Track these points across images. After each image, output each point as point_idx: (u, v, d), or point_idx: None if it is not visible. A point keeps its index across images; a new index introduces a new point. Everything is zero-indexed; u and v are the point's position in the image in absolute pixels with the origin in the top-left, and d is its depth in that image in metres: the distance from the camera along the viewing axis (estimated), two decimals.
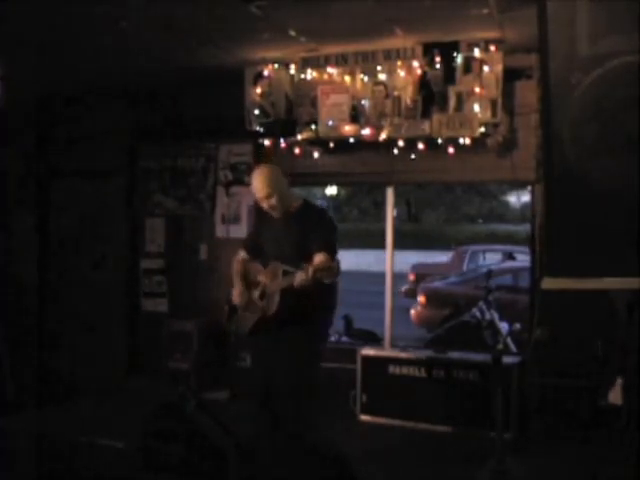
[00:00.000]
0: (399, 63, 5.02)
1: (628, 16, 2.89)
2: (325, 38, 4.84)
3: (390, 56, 5.05)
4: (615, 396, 3.54)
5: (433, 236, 24.66)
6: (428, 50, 4.88)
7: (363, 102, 5.14)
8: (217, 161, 6.12)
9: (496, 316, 6.39)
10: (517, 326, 5.33)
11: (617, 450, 3.38)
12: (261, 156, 5.68)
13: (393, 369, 5.24)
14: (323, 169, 5.58)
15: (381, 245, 5.80)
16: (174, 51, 5.03)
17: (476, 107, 4.74)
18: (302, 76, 5.34)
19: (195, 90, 6.04)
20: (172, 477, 3.68)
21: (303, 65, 5.32)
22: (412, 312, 10.62)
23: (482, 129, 4.77)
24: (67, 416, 5.24)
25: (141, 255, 6.46)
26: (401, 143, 5.05)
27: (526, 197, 5.99)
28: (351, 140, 5.16)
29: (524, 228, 5.43)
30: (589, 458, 3.91)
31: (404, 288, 13.03)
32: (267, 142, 5.47)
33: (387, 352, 5.45)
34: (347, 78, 5.19)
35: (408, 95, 5.00)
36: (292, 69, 5.35)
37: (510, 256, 11.26)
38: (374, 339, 6.39)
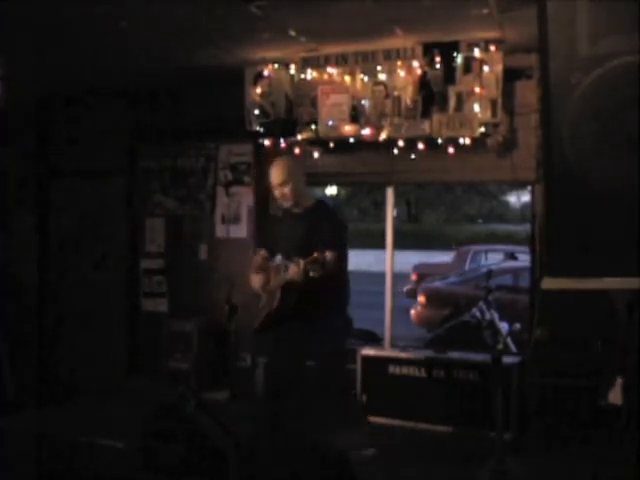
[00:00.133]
0: (399, 63, 5.01)
1: (628, 16, 2.89)
2: (325, 38, 4.84)
3: (390, 56, 5.05)
4: (615, 396, 3.54)
5: (433, 236, 24.70)
6: (428, 50, 4.88)
7: (363, 102, 5.14)
8: (217, 161, 6.12)
9: (496, 316, 6.37)
10: (517, 326, 5.32)
11: (617, 450, 3.37)
12: (261, 156, 5.68)
13: (393, 369, 5.24)
14: (323, 169, 5.57)
15: (381, 245, 5.81)
16: (174, 51, 5.03)
17: (476, 107, 4.74)
18: (302, 76, 5.34)
19: (195, 90, 6.04)
20: (172, 477, 3.68)
21: (303, 65, 5.32)
22: (412, 312, 10.63)
23: (482, 129, 4.77)
24: (67, 416, 5.24)
25: (141, 255, 6.46)
26: (401, 143, 5.05)
27: (526, 197, 5.97)
28: (351, 140, 5.15)
29: (524, 228, 5.41)
30: (589, 458, 3.90)
31: (406, 288, 13.04)
32: (267, 142, 5.47)
33: (387, 352, 5.45)
34: (347, 78, 5.19)
35: (408, 95, 5.00)
36: (292, 69, 5.35)
37: (512, 256, 11.26)
38: (374, 339, 6.39)
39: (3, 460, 4.17)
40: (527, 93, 4.92)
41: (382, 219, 6.23)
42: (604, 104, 2.96)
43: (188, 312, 6.08)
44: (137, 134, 6.41)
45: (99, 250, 6.65)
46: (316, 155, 5.48)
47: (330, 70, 5.24)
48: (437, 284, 11.42)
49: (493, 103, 4.75)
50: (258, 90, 5.38)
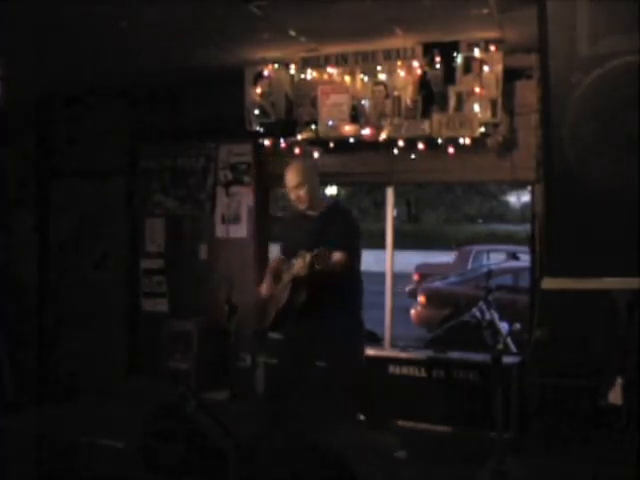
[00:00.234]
0: (399, 63, 5.01)
1: (628, 16, 2.89)
2: (325, 38, 4.84)
3: (390, 56, 5.05)
4: (615, 396, 3.53)
5: (433, 236, 24.70)
6: (428, 50, 4.88)
7: (363, 102, 5.14)
8: (217, 161, 6.11)
9: (496, 316, 6.36)
10: (517, 326, 5.32)
11: (617, 450, 3.37)
12: (261, 156, 5.68)
13: (393, 369, 5.24)
14: (323, 169, 5.52)
15: (381, 245, 5.80)
16: (174, 51, 5.03)
17: (476, 107, 4.74)
18: (302, 76, 5.34)
19: (195, 90, 6.04)
20: (172, 477, 3.68)
21: (303, 65, 5.32)
22: (412, 312, 10.62)
23: (482, 129, 4.77)
24: (67, 416, 5.23)
25: (141, 255, 6.46)
26: (401, 143, 5.05)
27: (526, 197, 5.97)
28: (351, 140, 5.15)
29: (524, 228, 5.42)
30: (589, 458, 3.90)
31: (408, 288, 13.03)
32: (267, 142, 5.47)
33: (387, 352, 5.45)
34: (347, 78, 5.19)
35: (408, 95, 5.00)
36: (292, 69, 5.35)
37: (514, 256, 11.26)
38: (374, 339, 6.38)
39: (3, 460, 4.16)
40: (527, 93, 4.91)
41: (382, 219, 6.23)
42: (604, 104, 2.96)
43: (188, 312, 6.07)
44: (137, 134, 6.41)
45: (99, 250, 6.64)
46: (316, 155, 5.47)
47: (330, 70, 5.24)
48: (437, 284, 11.42)
49: (493, 103, 4.75)
50: (258, 90, 5.38)
